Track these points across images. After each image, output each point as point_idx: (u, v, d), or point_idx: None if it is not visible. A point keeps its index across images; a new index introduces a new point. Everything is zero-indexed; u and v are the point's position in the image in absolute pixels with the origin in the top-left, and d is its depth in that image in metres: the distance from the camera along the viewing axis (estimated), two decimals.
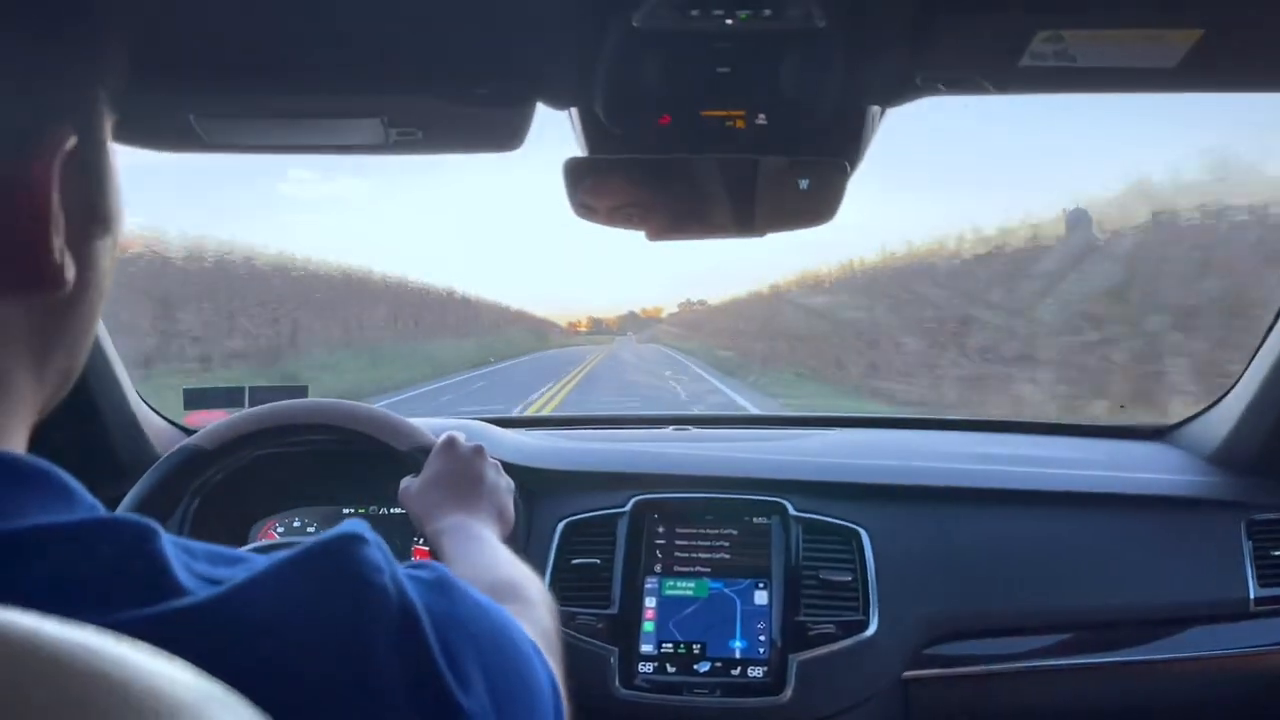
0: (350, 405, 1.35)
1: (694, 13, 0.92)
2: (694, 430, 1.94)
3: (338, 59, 1.05)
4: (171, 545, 0.46)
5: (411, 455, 1.29)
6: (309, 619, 0.44)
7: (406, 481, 1.21)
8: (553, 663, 0.78)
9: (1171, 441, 1.82)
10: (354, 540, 0.48)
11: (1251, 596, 1.48)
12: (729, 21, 0.93)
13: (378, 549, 0.49)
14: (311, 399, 1.38)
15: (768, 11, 0.92)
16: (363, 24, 0.98)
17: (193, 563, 0.46)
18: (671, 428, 1.96)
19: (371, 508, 1.66)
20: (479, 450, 1.22)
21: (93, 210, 0.51)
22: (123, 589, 0.41)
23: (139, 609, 0.41)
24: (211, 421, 1.55)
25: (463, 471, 1.19)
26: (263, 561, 0.48)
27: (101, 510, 0.46)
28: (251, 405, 1.84)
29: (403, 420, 1.32)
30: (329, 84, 1.09)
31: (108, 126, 0.53)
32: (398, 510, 1.58)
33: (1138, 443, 1.85)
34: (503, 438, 1.71)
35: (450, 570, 0.96)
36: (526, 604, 0.87)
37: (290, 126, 1.16)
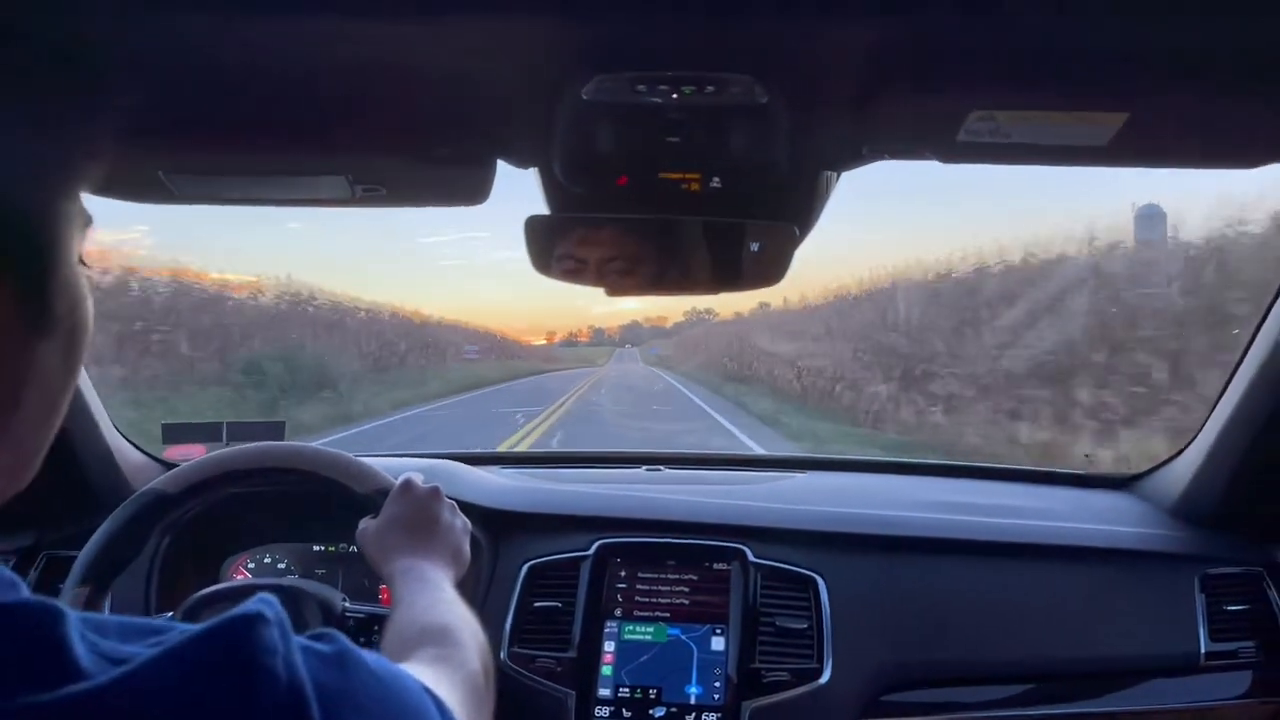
0: (312, 450, 1.38)
1: (640, 88, 0.96)
2: (666, 470, 1.97)
3: (303, 120, 1.09)
4: (77, 626, 0.47)
5: (370, 498, 1.32)
6: (196, 705, 0.46)
7: (364, 523, 1.25)
8: (471, 706, 0.81)
9: (1134, 492, 1.84)
10: (252, 622, 0.51)
11: (1202, 651, 1.50)
12: (675, 96, 0.97)
13: (276, 628, 0.51)
14: (273, 444, 1.41)
15: (711, 88, 0.96)
16: (327, 87, 1.02)
17: (100, 641, 0.48)
18: (644, 467, 1.98)
19: (341, 545, 1.68)
20: (435, 492, 1.25)
21: (32, 320, 0.52)
22: (21, 675, 0.43)
23: (36, 695, 0.43)
24: (191, 455, 1.59)
25: (418, 513, 1.22)
26: (173, 637, 0.50)
27: (23, 590, 0.48)
28: (229, 440, 1.88)
29: (362, 463, 1.35)
30: (294, 144, 1.12)
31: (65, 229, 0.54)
32: None
33: (1101, 492, 1.88)
34: (470, 477, 1.74)
35: (395, 611, 1.00)
36: (455, 647, 0.91)
37: (257, 182, 1.20)
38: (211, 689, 0.47)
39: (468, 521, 1.27)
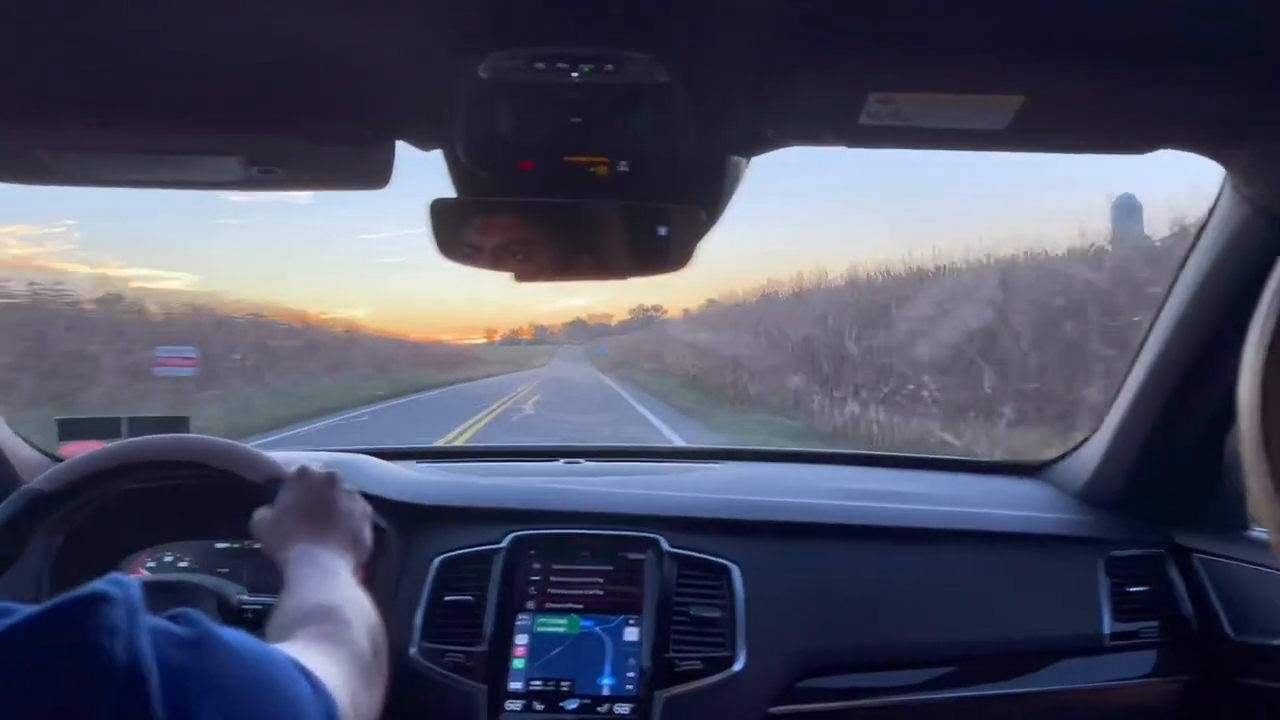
0: (199, 440, 1.33)
1: (539, 65, 0.94)
2: (584, 463, 1.95)
3: (192, 97, 1.05)
4: None
5: (266, 487, 1.27)
6: (32, 683, 0.45)
7: (260, 513, 1.21)
8: (358, 683, 0.79)
9: (1045, 478, 1.88)
10: (93, 601, 0.49)
11: (1106, 632, 1.53)
12: (574, 75, 0.95)
13: (122, 608, 0.49)
14: (158, 436, 1.36)
15: (610, 67, 0.95)
16: (217, 62, 0.98)
17: None
18: (563, 460, 1.97)
19: (246, 542, 1.63)
20: (331, 478, 1.22)
21: None
22: None
23: None
24: (88, 450, 1.52)
25: (315, 501, 1.19)
26: (15, 618, 0.48)
27: None
28: (130, 436, 1.81)
29: (256, 452, 1.31)
30: (185, 122, 1.08)
31: None
32: None
33: (1013, 479, 1.91)
34: (379, 470, 1.70)
35: (284, 594, 0.97)
36: (340, 624, 0.88)
37: (146, 162, 1.15)
38: (47, 668, 0.46)
39: (367, 507, 1.24)
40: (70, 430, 1.83)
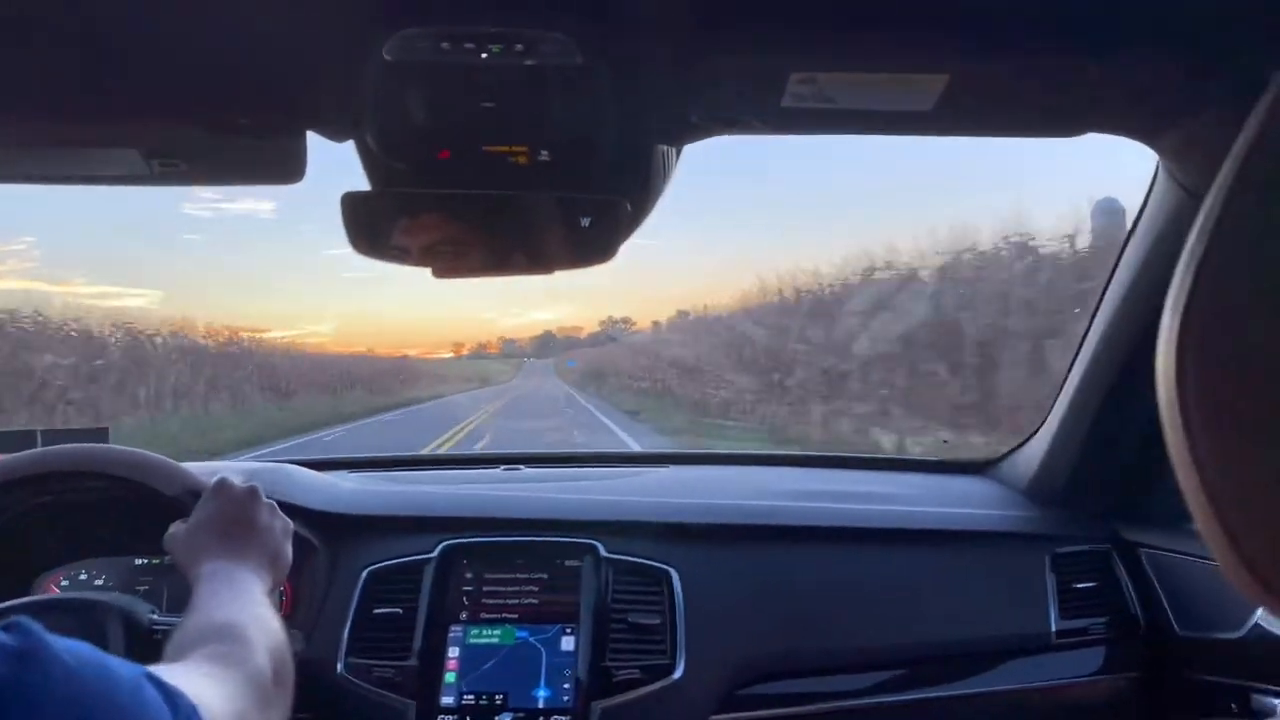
0: (107, 450, 1.26)
1: (444, 45, 0.90)
2: (524, 470, 1.90)
3: (78, 84, 0.99)
4: None
5: (179, 499, 1.21)
6: None
7: (174, 527, 1.16)
8: (250, 704, 0.75)
9: (991, 476, 1.86)
10: None
11: (1053, 629, 1.51)
12: (483, 55, 0.91)
13: None
14: (64, 446, 1.29)
15: (520, 47, 0.90)
16: (105, 46, 0.93)
17: None
18: (502, 467, 1.91)
19: (165, 557, 1.56)
20: (252, 492, 1.17)
21: None
22: None
23: None
24: None
25: (233, 515, 1.14)
26: None
27: None
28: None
29: (169, 463, 1.25)
30: (74, 112, 1.02)
31: None
32: None
33: (960, 477, 1.89)
34: (305, 480, 1.63)
35: (188, 613, 0.92)
36: (238, 644, 0.85)
37: (33, 156, 1.09)
38: None
39: (289, 523, 1.19)
40: None
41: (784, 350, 14.48)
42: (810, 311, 14.37)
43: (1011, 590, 1.55)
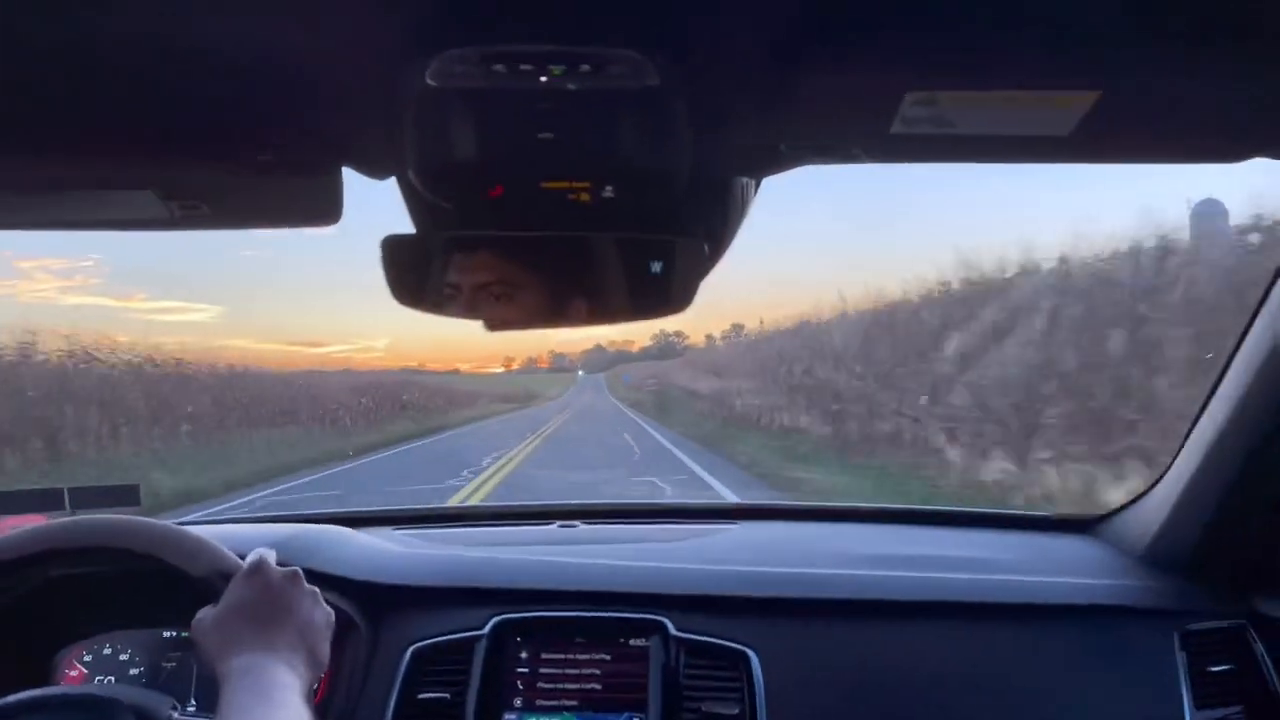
0: (131, 523, 1.14)
1: (497, 67, 0.76)
2: (581, 526, 1.75)
3: (89, 118, 0.87)
4: None
5: (207, 580, 1.09)
6: None
7: (202, 612, 1.03)
8: None
9: (1097, 536, 1.67)
10: None
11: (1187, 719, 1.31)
12: (542, 79, 0.77)
13: None
14: (86, 519, 1.18)
15: (586, 67, 0.76)
16: (114, 77, 0.81)
17: None
18: (557, 523, 1.77)
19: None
20: (294, 576, 1.04)
21: None
22: None
23: None
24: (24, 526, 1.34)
25: (269, 601, 1.01)
26: None
27: None
28: (73, 508, 1.63)
29: (194, 538, 1.12)
30: (85, 149, 0.91)
31: None
32: None
33: (1061, 536, 1.70)
34: (344, 544, 1.50)
35: None
36: None
37: (45, 199, 0.98)
38: None
39: (330, 614, 1.06)
40: (4, 503, 1.65)
41: (899, 369, 12.89)
42: (908, 325, 13.51)
43: (1136, 673, 1.36)
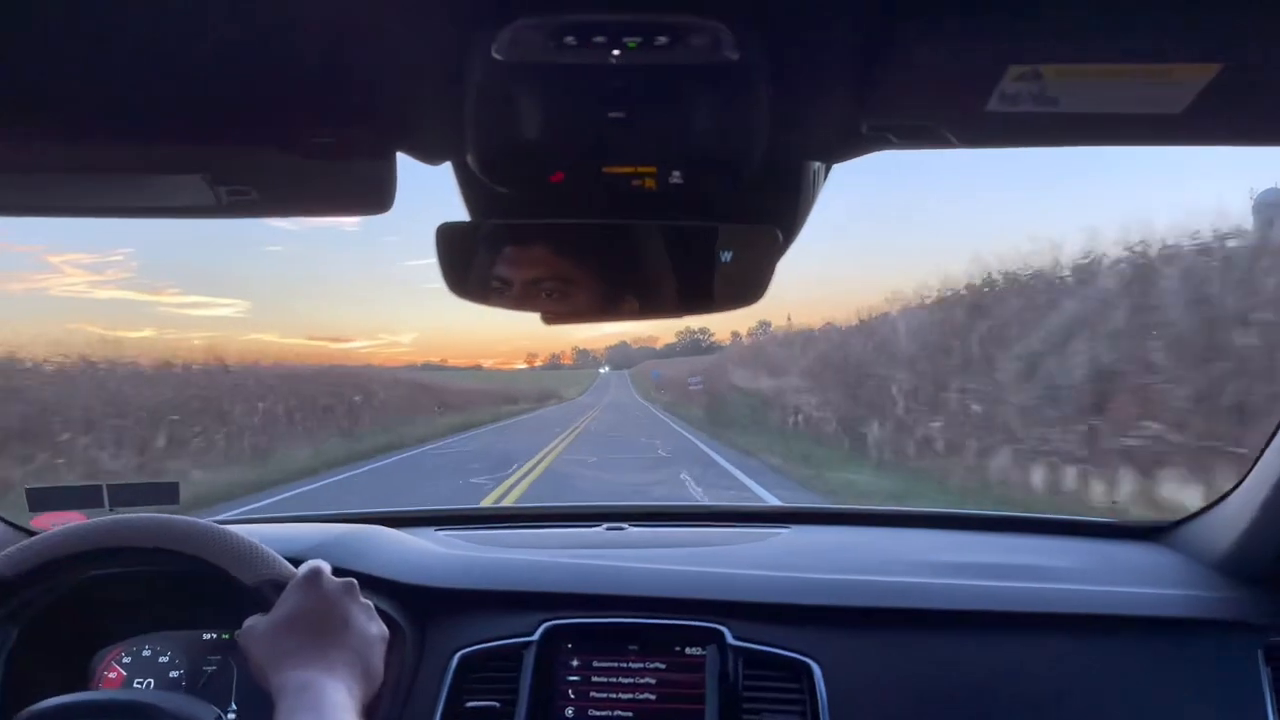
0: (185, 525, 1.10)
1: (568, 40, 0.71)
2: (629, 529, 1.70)
3: (138, 101, 0.83)
4: None
5: (259, 589, 1.05)
6: None
7: (251, 621, 1.01)
8: None
9: (1169, 543, 1.59)
10: None
11: None
12: (616, 53, 0.72)
13: None
14: (139, 517, 1.14)
15: (663, 39, 0.71)
16: (163, 57, 0.77)
17: None
18: (605, 525, 1.72)
19: (237, 632, 1.40)
20: (349, 588, 1.01)
21: None
22: None
23: None
24: (66, 523, 1.31)
25: (325, 614, 0.98)
26: None
27: None
28: (112, 506, 1.60)
29: (249, 545, 1.08)
30: (130, 132, 0.87)
31: None
32: None
33: (1130, 544, 1.62)
34: (389, 546, 1.46)
35: None
36: None
37: (91, 185, 0.94)
38: None
39: (385, 630, 1.02)
40: (42, 500, 1.61)
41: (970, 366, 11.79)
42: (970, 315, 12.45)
43: (1215, 690, 1.29)
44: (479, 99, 0.79)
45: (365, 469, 14.26)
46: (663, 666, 1.27)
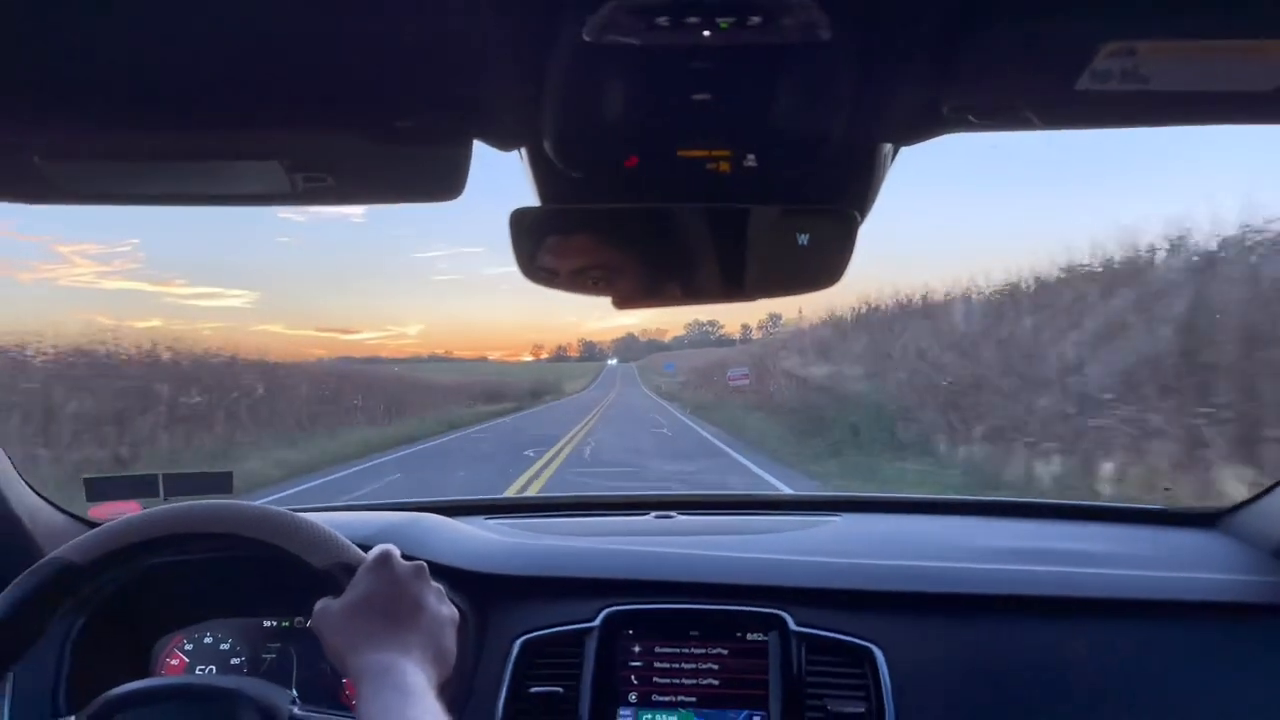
0: (255, 511, 1.10)
1: (661, 21, 0.71)
2: (678, 517, 1.70)
3: (218, 87, 0.83)
4: None
5: (329, 572, 1.05)
6: None
7: (324, 603, 1.00)
8: None
9: (1226, 530, 1.58)
10: None
11: None
12: (707, 34, 0.72)
13: None
14: (209, 504, 1.14)
15: (756, 19, 0.71)
16: (245, 44, 0.77)
17: None
18: (653, 513, 1.72)
19: (297, 620, 1.41)
20: (420, 571, 1.01)
21: None
22: None
23: None
24: (123, 514, 1.32)
25: (397, 597, 0.97)
26: None
27: None
28: (166, 495, 1.62)
29: (319, 529, 1.08)
30: (209, 119, 0.87)
31: None
32: None
33: (1186, 530, 1.61)
34: (449, 534, 1.47)
35: None
36: None
37: (166, 171, 0.94)
38: None
39: (455, 612, 1.01)
40: (101, 490, 1.63)
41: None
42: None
43: (1273, 675, 1.28)
44: (565, 82, 0.79)
45: None
46: (724, 652, 1.27)
